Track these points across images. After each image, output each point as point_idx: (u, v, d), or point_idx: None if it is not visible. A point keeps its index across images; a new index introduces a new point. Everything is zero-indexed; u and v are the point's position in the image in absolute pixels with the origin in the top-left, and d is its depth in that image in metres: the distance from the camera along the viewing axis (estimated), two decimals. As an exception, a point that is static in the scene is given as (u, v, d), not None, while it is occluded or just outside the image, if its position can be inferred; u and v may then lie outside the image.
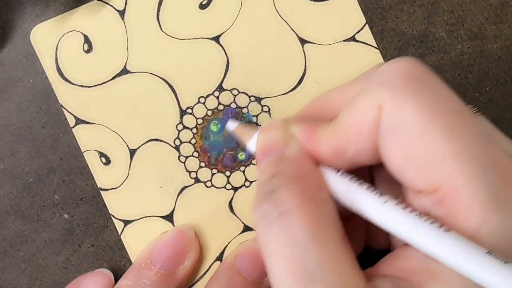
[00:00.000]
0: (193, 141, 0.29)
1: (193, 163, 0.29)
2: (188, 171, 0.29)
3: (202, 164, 0.29)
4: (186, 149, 0.29)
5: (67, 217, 0.29)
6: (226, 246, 0.29)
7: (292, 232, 0.18)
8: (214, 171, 0.29)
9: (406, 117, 0.19)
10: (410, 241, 0.19)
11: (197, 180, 0.29)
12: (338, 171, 0.21)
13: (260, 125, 0.29)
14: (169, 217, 0.29)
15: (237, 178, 0.29)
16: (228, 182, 0.29)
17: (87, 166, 0.28)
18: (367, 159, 0.21)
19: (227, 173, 0.29)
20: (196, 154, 0.29)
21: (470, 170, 0.18)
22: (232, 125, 0.26)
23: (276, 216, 0.19)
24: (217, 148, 0.29)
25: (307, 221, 0.19)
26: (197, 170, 0.29)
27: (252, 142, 0.24)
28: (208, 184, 0.29)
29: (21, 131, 0.29)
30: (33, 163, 0.29)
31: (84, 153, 0.29)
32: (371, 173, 0.25)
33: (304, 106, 0.27)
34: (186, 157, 0.29)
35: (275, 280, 0.19)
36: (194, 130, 0.29)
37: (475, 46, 0.29)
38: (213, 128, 0.29)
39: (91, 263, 0.29)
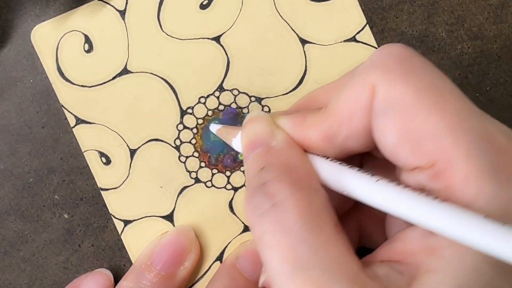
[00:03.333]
0: (194, 141, 0.29)
1: (193, 163, 0.29)
2: (188, 171, 0.29)
3: (202, 164, 0.29)
4: (187, 149, 0.29)
5: (67, 217, 0.29)
6: (226, 246, 0.29)
7: (285, 222, 0.19)
8: (214, 171, 0.29)
9: (400, 95, 0.19)
10: (405, 216, 0.19)
11: (197, 180, 0.29)
12: (327, 158, 0.21)
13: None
14: (169, 217, 0.28)
15: (237, 178, 0.29)
16: (228, 182, 0.29)
17: (87, 166, 0.28)
18: (358, 144, 0.21)
19: (227, 173, 0.29)
20: (196, 154, 0.29)
21: (465, 143, 0.18)
22: (214, 128, 0.26)
23: (269, 207, 0.19)
24: (217, 148, 0.29)
25: (300, 210, 0.19)
26: (197, 170, 0.29)
27: (237, 140, 0.24)
28: (208, 184, 0.29)
29: (21, 131, 0.29)
30: (33, 163, 0.29)
31: (84, 153, 0.28)
32: (361, 165, 0.25)
33: (291, 105, 0.27)
34: (187, 157, 0.29)
35: (271, 270, 0.19)
36: (195, 130, 0.29)
37: (475, 46, 0.29)
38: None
39: (91, 263, 0.29)
